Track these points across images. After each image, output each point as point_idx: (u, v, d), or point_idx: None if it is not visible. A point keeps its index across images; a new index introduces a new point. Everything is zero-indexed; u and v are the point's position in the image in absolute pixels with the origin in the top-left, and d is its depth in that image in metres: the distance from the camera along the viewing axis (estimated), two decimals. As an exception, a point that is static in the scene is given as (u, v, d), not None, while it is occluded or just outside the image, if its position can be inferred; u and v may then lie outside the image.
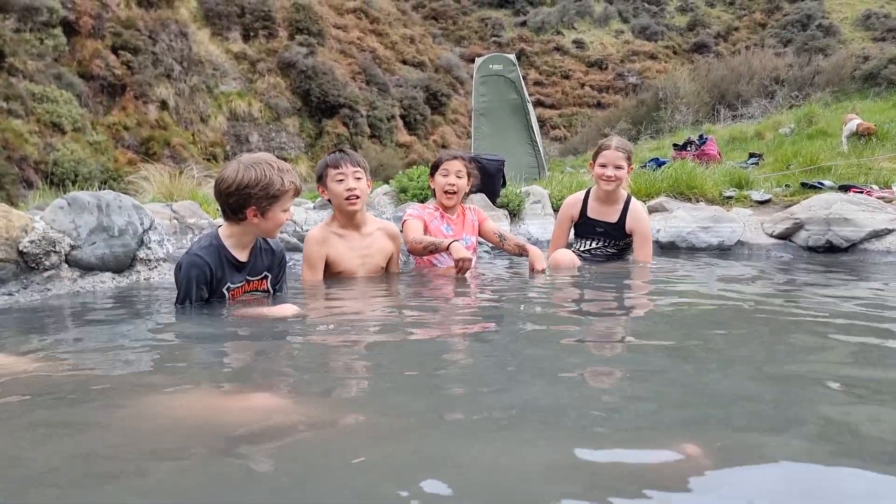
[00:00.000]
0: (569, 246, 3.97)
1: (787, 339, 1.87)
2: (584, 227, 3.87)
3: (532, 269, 3.41)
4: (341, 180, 3.05)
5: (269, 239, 2.71)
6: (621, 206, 3.74)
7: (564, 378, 1.46)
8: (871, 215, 4.18)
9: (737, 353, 1.70)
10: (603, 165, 3.64)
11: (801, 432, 1.06)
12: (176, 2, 26.38)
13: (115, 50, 23.30)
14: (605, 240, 3.82)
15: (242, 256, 2.52)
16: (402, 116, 32.23)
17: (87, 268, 2.92)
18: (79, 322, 2.37)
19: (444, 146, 32.18)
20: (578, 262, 3.66)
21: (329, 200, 3.23)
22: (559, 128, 36.90)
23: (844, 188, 4.93)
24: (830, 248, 4.22)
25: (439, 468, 0.96)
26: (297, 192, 2.48)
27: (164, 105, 24.67)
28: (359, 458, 1.00)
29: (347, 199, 3.06)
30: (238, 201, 2.39)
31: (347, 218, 3.15)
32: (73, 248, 2.86)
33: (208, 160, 24.95)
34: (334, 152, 3.17)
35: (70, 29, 22.33)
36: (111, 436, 1.19)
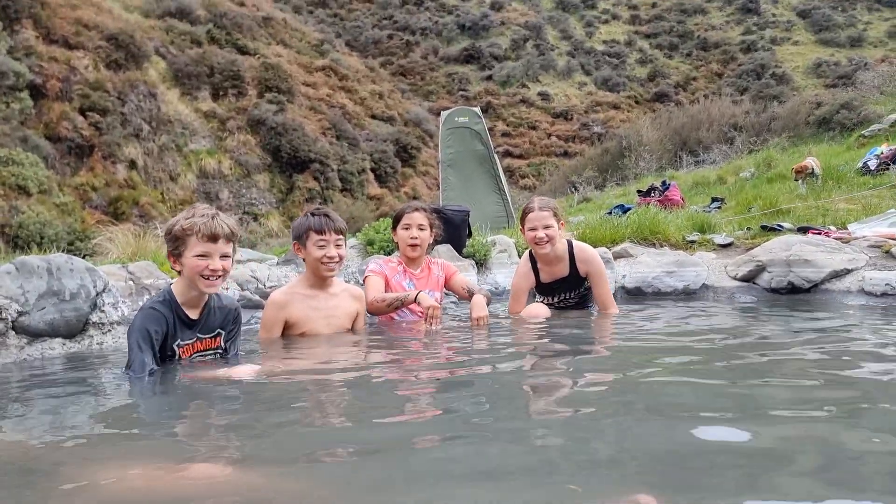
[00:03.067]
0: (532, 298, 3.91)
1: (750, 387, 1.85)
2: (543, 290, 3.84)
3: (470, 316, 3.37)
4: (322, 246, 3.02)
5: (224, 297, 2.65)
6: (567, 257, 3.70)
7: (526, 433, 1.42)
8: (830, 256, 4.25)
9: (688, 403, 1.68)
10: (532, 229, 3.59)
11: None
12: (144, 63, 26.56)
13: (82, 111, 23.26)
14: (565, 291, 3.80)
15: (193, 314, 2.46)
16: (373, 170, 32.51)
17: (35, 334, 2.81)
18: (24, 394, 2.26)
19: (415, 197, 32.42)
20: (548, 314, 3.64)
21: (303, 259, 3.18)
22: (528, 177, 37.55)
23: (803, 230, 5.03)
24: (793, 290, 4.27)
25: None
26: (209, 236, 2.30)
27: (132, 165, 24.54)
28: None
29: (325, 264, 3.04)
30: (167, 250, 2.41)
31: (319, 280, 3.12)
32: (20, 314, 2.75)
33: (177, 218, 24.73)
34: (317, 215, 3.09)
35: (37, 91, 22.29)
36: None
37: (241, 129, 28.82)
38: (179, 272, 2.39)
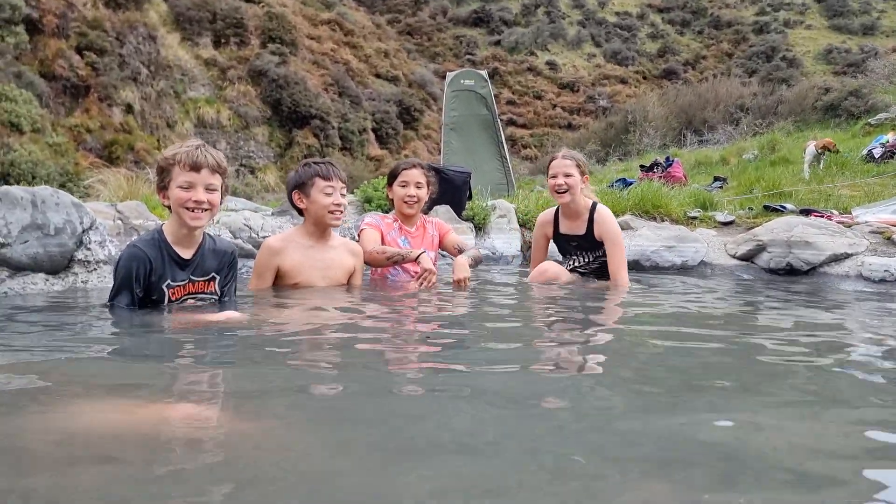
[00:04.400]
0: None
1: (746, 373, 1.79)
2: (560, 244, 3.80)
3: (453, 278, 3.31)
4: (329, 193, 2.94)
5: (219, 240, 2.57)
6: (587, 216, 3.63)
7: (517, 407, 1.35)
8: (831, 239, 4.19)
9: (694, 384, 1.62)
10: (553, 176, 3.58)
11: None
12: (145, 4, 25.95)
13: (79, 50, 22.76)
14: (583, 254, 3.72)
15: (186, 254, 2.38)
16: (374, 130, 32.13)
17: (16, 267, 2.73)
18: (2, 327, 2.19)
19: (414, 161, 32.08)
20: (565, 275, 3.58)
21: (299, 210, 3.06)
22: (530, 147, 37.21)
23: (806, 212, 4.97)
24: (791, 271, 4.23)
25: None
26: (191, 165, 2.23)
27: (129, 109, 24.13)
28: (261, 471, 0.89)
29: (332, 212, 2.95)
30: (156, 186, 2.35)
31: (320, 230, 3.03)
32: (1, 245, 2.67)
33: (173, 166, 24.47)
34: (321, 163, 3.01)
35: (33, 27, 21.76)
36: (30, 443, 1.11)
37: (242, 79, 28.34)
38: (169, 208, 2.31)
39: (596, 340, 2.16)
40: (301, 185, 2.97)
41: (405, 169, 3.62)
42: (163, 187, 2.28)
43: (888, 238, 4.22)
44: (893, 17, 49.55)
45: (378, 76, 36.13)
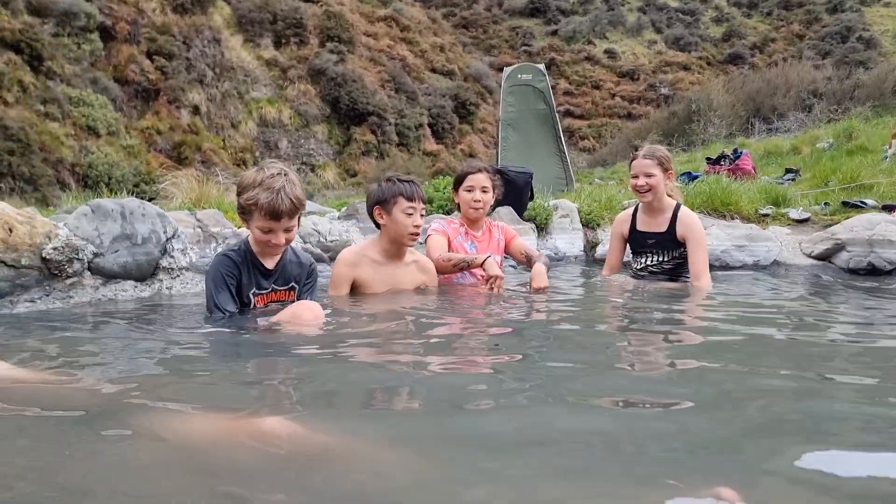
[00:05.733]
0: (625, 265, 3.90)
1: (824, 372, 1.74)
2: (636, 241, 3.77)
3: (531, 286, 3.30)
4: (410, 214, 2.94)
5: (299, 252, 2.67)
6: (670, 215, 3.61)
7: (586, 408, 1.36)
8: (917, 237, 4.00)
9: (770, 388, 1.59)
10: (635, 176, 3.58)
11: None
12: (210, 8, 26.80)
13: (149, 55, 23.73)
14: (659, 252, 3.69)
15: (269, 264, 2.50)
16: (430, 125, 32.28)
17: (109, 276, 2.90)
18: (99, 333, 2.34)
19: (471, 155, 32.16)
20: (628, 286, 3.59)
21: (378, 225, 3.06)
22: (588, 138, 36.63)
23: (888, 208, 4.74)
24: (872, 271, 4.05)
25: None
26: (271, 214, 2.25)
27: (195, 110, 25.02)
28: (363, 489, 0.94)
29: (412, 234, 2.96)
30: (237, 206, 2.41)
31: (395, 248, 3.04)
32: (95, 255, 2.84)
33: (238, 165, 25.25)
34: (405, 181, 3.00)
35: (106, 34, 22.81)
36: (115, 458, 1.15)
37: (302, 78, 28.95)
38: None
39: (677, 340, 2.14)
40: (383, 202, 2.96)
41: (471, 173, 3.64)
42: (245, 218, 2.35)
43: (980, 235, 4.00)
44: (981, -11, 46.31)
45: (434, 71, 36.25)
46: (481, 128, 35.08)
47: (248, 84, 27.27)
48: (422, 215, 3.00)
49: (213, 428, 1.35)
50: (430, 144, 31.70)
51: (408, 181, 3.00)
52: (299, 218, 2.42)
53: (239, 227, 3.60)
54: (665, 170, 3.54)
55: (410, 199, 2.92)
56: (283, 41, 29.46)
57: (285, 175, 2.32)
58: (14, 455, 1.15)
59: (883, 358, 1.94)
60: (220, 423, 1.39)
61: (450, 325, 2.55)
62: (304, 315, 2.29)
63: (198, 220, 3.46)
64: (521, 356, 1.98)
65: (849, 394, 1.53)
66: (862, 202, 4.97)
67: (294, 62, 29.05)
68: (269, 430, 1.33)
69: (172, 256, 3.12)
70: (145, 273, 3.01)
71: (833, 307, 3.18)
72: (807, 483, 0.98)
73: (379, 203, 2.98)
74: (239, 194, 2.33)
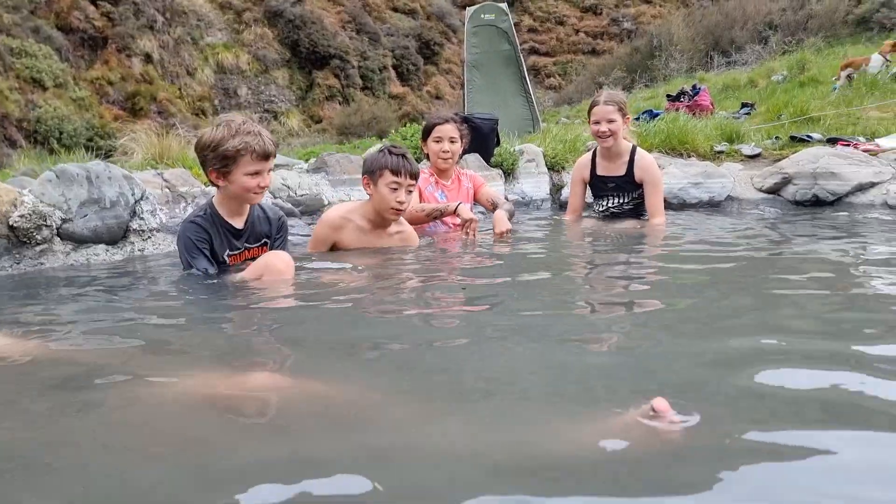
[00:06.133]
0: (588, 206, 4.10)
1: (768, 303, 1.92)
2: (597, 186, 3.95)
3: (494, 231, 3.44)
4: (395, 189, 2.90)
5: (267, 207, 2.73)
6: (627, 158, 3.79)
7: (548, 348, 1.51)
8: (857, 169, 4.22)
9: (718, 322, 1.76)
10: (596, 122, 3.72)
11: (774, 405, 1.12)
12: (156, -51, 25.47)
13: (93, 1, 22.62)
14: (619, 195, 3.88)
15: (238, 223, 2.55)
16: (395, 67, 31.61)
17: (79, 241, 2.94)
18: (76, 298, 2.40)
19: (438, 97, 31.74)
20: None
21: (368, 194, 3.05)
22: (553, 76, 36.29)
23: (832, 141, 4.95)
24: (817, 202, 4.28)
25: (417, 451, 1.01)
26: (262, 155, 2.37)
27: (148, 58, 24.09)
28: (353, 435, 1.06)
29: (393, 209, 2.95)
30: (202, 164, 2.43)
31: (380, 219, 3.04)
32: (64, 221, 2.88)
33: (196, 115, 24.58)
34: (395, 154, 2.95)
35: (46, -20, 21.63)
36: (112, 418, 1.22)
37: (258, 21, 27.95)
38: (218, 186, 2.46)
39: (637, 278, 2.32)
40: (371, 172, 2.95)
41: (438, 124, 3.71)
42: (224, 172, 2.37)
43: (916, 166, 4.23)
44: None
45: (395, 10, 35.22)
46: (447, 68, 34.46)
47: (202, 29, 26.27)
48: (409, 191, 2.96)
49: (204, 386, 1.41)
50: (396, 87, 31.13)
51: (399, 154, 2.95)
52: None
53: (207, 185, 3.63)
54: (623, 115, 3.68)
55: (396, 173, 2.89)
56: (236, -18, 28.25)
57: (252, 122, 2.45)
58: (23, 415, 1.24)
59: (827, 285, 2.13)
60: (210, 381, 1.45)
61: (422, 275, 2.68)
62: (276, 264, 2.37)
63: (165, 181, 3.49)
64: (488, 304, 2.12)
65: (793, 317, 1.70)
66: (809, 136, 5.17)
67: (249, 4, 27.97)
68: (258, 385, 1.40)
69: (142, 218, 3.17)
70: (116, 236, 3.06)
71: (779, 239, 3.40)
72: (750, 394, 1.14)
73: (367, 173, 2.98)
74: (214, 149, 2.34)
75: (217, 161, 2.36)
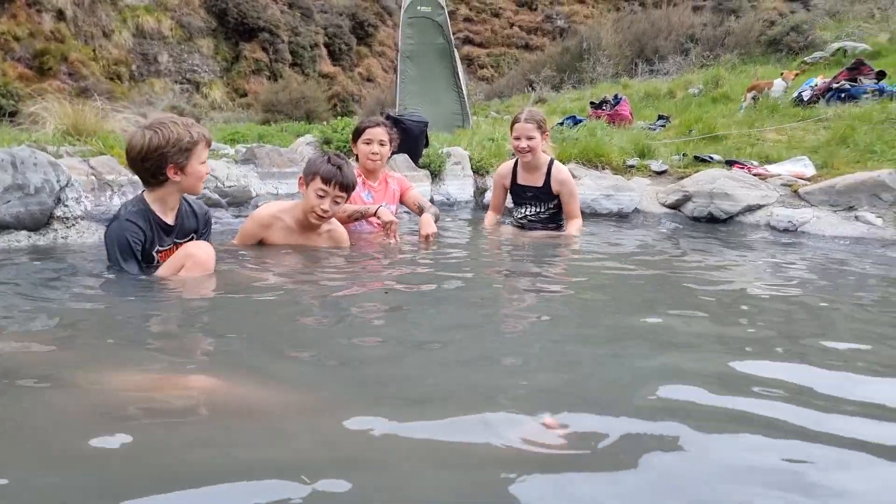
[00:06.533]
0: (508, 212, 4.41)
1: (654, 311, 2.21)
2: (516, 193, 4.26)
3: (419, 233, 3.63)
4: (321, 196, 3.01)
5: (193, 202, 2.82)
6: (545, 171, 4.11)
7: (459, 358, 1.72)
8: (747, 191, 4.66)
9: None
10: (517, 138, 4.02)
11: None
12: None
13: (4, -50, 21.06)
14: (536, 204, 4.19)
15: (169, 219, 2.63)
16: (327, 45, 31.05)
17: (1, 226, 2.92)
18: (5, 287, 2.40)
19: (369, 79, 31.44)
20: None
21: (301, 192, 3.16)
22: (487, 67, 36.66)
23: (730, 163, 5.41)
24: (712, 219, 4.70)
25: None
26: (208, 143, 2.57)
27: (60, 15, 22.69)
28: (288, 436, 1.20)
29: (316, 214, 3.04)
30: (155, 164, 2.47)
31: (308, 220, 3.14)
32: (-13, 206, 2.85)
33: (111, 79, 23.40)
34: (333, 164, 3.03)
35: (-50, -78, 19.97)
36: (24, 421, 1.26)
37: (184, -14, 26.78)
38: (163, 182, 2.51)
39: (548, 290, 2.58)
40: (305, 174, 3.08)
41: (369, 127, 3.86)
42: (181, 166, 2.48)
43: (795, 191, 4.72)
44: (849, -59, 49.53)
45: (329, -13, 34.56)
46: (380, 51, 34.16)
47: (123, -11, 24.93)
48: (335, 202, 3.04)
49: (146, 382, 1.48)
50: (327, 66, 30.59)
51: (336, 165, 3.03)
52: None
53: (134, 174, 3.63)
54: (542, 132, 3.97)
55: (327, 182, 2.99)
56: (162, -57, 26.91)
57: (188, 118, 2.63)
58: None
59: (715, 300, 2.44)
60: (152, 378, 1.52)
61: (345, 274, 2.84)
62: (198, 254, 2.48)
63: (91, 168, 3.48)
64: (408, 310, 2.31)
65: (685, 333, 1.98)
66: (711, 157, 5.63)
67: (175, -32, 26.74)
68: (196, 385, 1.48)
69: (67, 206, 3.17)
70: (39, 223, 3.06)
71: (676, 252, 3.77)
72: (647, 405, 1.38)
73: (303, 173, 3.11)
74: (176, 143, 2.45)
75: (179, 155, 2.47)
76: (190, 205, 2.77)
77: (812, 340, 1.92)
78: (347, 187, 3.06)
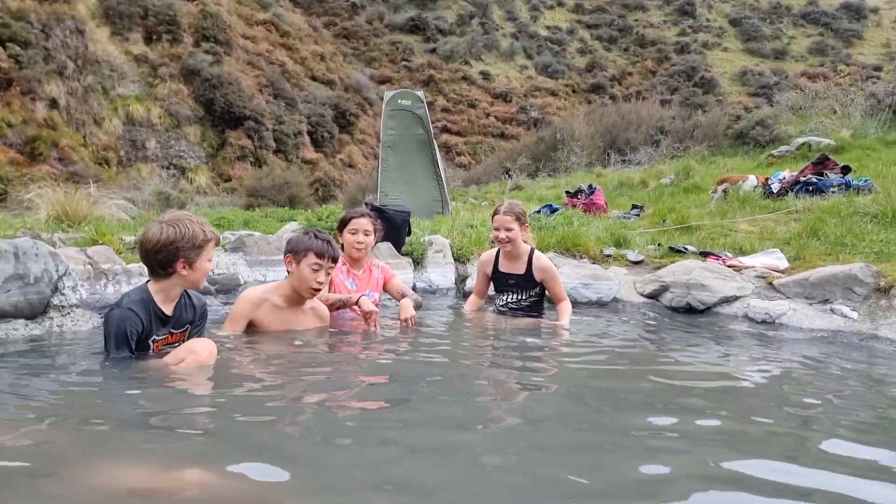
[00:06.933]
0: (490, 300, 4.54)
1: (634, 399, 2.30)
2: (498, 280, 4.42)
3: (399, 317, 3.72)
4: (316, 270, 3.17)
5: (192, 294, 2.91)
6: (526, 259, 4.30)
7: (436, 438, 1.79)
8: (723, 283, 4.85)
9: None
10: (497, 229, 4.23)
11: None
12: (73, -3, 25.07)
13: (2, 42, 21.80)
14: (518, 291, 4.35)
15: (168, 310, 2.72)
16: (310, 133, 32.05)
17: (0, 315, 2.97)
18: (3, 376, 2.42)
19: (350, 165, 32.22)
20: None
21: (288, 271, 3.28)
22: (464, 154, 37.91)
23: (704, 254, 5.64)
24: (690, 310, 4.86)
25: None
26: (217, 242, 2.74)
27: (53, 104, 23.30)
28: None
29: (312, 288, 3.21)
30: (166, 257, 2.60)
31: (297, 296, 3.28)
32: (-13, 296, 2.91)
33: (100, 164, 23.75)
34: (321, 238, 3.22)
35: (-50, 16, 20.74)
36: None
37: (174, 77, 27.77)
38: (170, 275, 2.63)
39: (529, 380, 2.65)
40: (295, 252, 3.22)
41: (354, 217, 4.02)
42: (191, 262, 2.63)
43: (770, 283, 4.91)
44: (802, 43, 53.17)
45: (314, 79, 36.03)
46: (361, 139, 35.27)
47: (115, 79, 25.76)
48: (328, 273, 3.24)
49: (142, 476, 1.52)
50: (309, 152, 31.45)
51: (324, 240, 3.23)
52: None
53: (129, 264, 3.73)
54: (521, 223, 4.17)
55: (320, 256, 3.17)
56: (155, 37, 28.11)
57: (198, 216, 2.76)
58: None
59: (701, 393, 2.55)
60: (148, 471, 1.55)
61: (332, 363, 2.91)
62: (201, 352, 2.56)
63: (88, 257, 3.56)
64: (390, 395, 2.39)
65: (669, 428, 2.07)
66: (685, 248, 5.87)
67: (166, 60, 27.81)
68: (193, 481, 1.52)
69: (63, 294, 3.23)
70: (36, 311, 3.11)
71: (656, 342, 3.90)
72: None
73: (291, 252, 3.25)
74: (192, 239, 2.61)
75: (191, 251, 2.61)
76: (189, 297, 2.86)
77: (802, 438, 2.00)
78: (336, 259, 3.27)
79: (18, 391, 2.26)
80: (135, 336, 2.57)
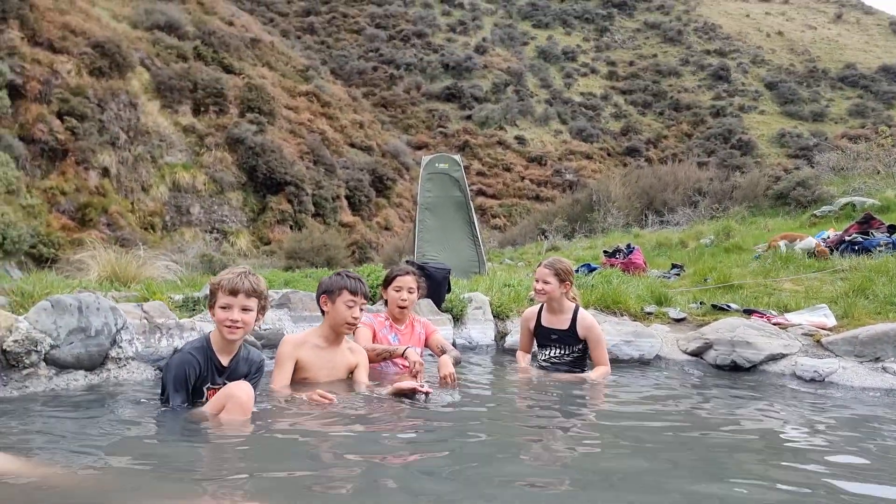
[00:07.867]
0: (534, 356, 4.56)
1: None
2: (541, 335, 4.45)
3: (439, 373, 3.73)
4: (351, 307, 3.34)
5: (251, 349, 3.01)
6: (570, 316, 4.33)
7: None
8: (769, 340, 4.76)
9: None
10: (536, 281, 4.32)
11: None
12: (128, 73, 26.64)
13: (60, 115, 23.19)
14: (561, 346, 4.36)
15: (225, 361, 2.83)
16: (347, 197, 32.83)
17: (62, 366, 3.11)
18: (66, 423, 2.56)
19: (387, 228, 32.76)
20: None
21: (324, 311, 3.44)
22: (499, 216, 38.30)
23: (748, 312, 5.55)
24: (735, 367, 4.76)
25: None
26: (231, 292, 2.70)
27: (105, 172, 24.44)
28: None
29: (349, 324, 3.37)
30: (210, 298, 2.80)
31: (335, 335, 3.43)
32: (52, 347, 3.06)
33: (145, 229, 24.65)
34: (352, 277, 3.40)
35: (16, 92, 22.20)
36: None
37: (219, 146, 28.96)
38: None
39: (578, 428, 2.64)
40: (330, 292, 3.38)
41: (399, 275, 4.12)
42: (211, 305, 2.76)
43: (818, 341, 4.81)
44: (841, 105, 53.08)
45: (353, 145, 37.18)
46: (398, 202, 35.95)
47: (163, 149, 26.99)
48: (362, 309, 3.41)
49: None
50: (347, 216, 32.14)
51: (355, 278, 3.41)
52: (261, 308, 2.81)
53: (181, 319, 3.87)
54: (562, 280, 4.22)
55: (354, 293, 3.34)
56: (203, 109, 29.53)
57: (249, 270, 2.85)
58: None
59: (751, 454, 2.51)
60: None
61: (370, 422, 2.92)
62: (238, 395, 2.61)
63: (144, 312, 3.71)
64: (437, 448, 2.40)
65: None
66: (728, 305, 5.79)
67: (212, 130, 29.09)
68: None
69: (121, 347, 3.36)
70: (95, 363, 3.23)
71: (701, 401, 3.82)
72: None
73: (326, 292, 3.41)
74: (210, 287, 2.77)
75: (210, 296, 2.76)
76: (249, 352, 2.96)
77: None
78: (368, 296, 3.46)
79: (78, 438, 2.36)
80: (192, 379, 2.67)
